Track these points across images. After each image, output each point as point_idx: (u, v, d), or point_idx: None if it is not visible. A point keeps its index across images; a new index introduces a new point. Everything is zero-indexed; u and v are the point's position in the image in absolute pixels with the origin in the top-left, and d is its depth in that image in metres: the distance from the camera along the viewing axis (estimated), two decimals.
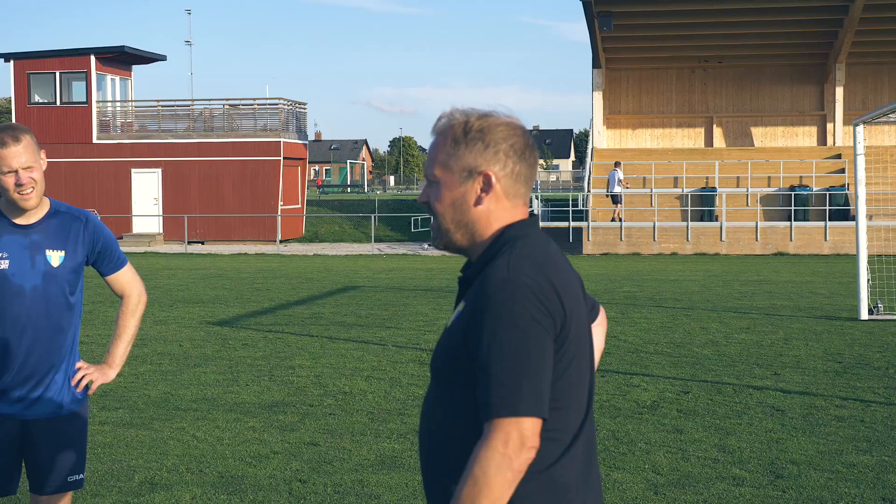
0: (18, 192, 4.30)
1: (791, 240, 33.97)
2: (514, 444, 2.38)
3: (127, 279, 4.68)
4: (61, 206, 4.51)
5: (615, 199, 35.67)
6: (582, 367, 2.59)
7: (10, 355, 4.37)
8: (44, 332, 4.39)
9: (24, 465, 4.56)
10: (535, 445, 2.40)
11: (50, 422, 4.47)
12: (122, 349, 4.65)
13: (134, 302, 4.69)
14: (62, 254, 4.43)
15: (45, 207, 4.47)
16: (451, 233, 2.66)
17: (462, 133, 2.62)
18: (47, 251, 4.41)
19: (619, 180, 35.85)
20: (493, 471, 2.37)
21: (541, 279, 2.49)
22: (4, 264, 4.36)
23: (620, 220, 34.81)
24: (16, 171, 4.28)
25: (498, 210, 2.63)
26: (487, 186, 2.60)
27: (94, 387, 4.56)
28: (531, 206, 36.81)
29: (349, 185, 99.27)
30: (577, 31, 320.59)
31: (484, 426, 2.42)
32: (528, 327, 2.42)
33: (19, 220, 4.41)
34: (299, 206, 44.65)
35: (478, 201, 2.61)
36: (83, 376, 4.51)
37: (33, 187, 4.33)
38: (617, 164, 36.56)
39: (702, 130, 42.67)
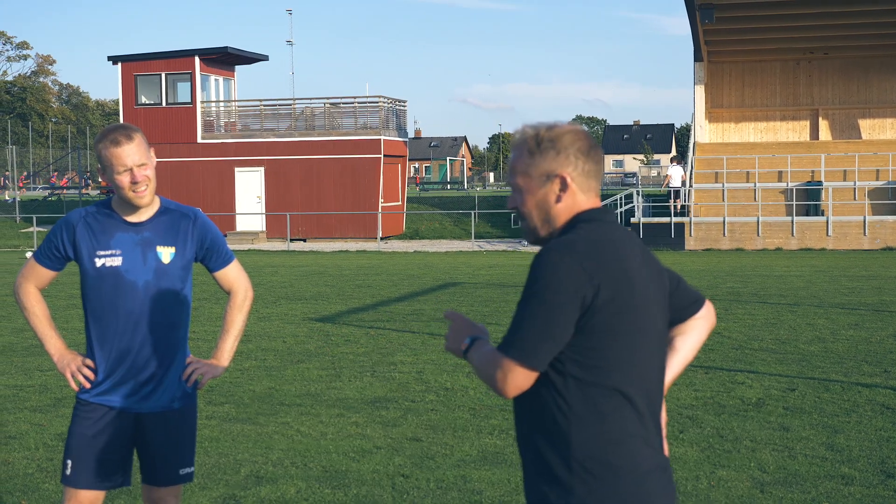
0: (133, 190, 4.39)
1: None
2: (500, 375, 2.92)
3: (234, 275, 4.75)
4: (171, 204, 4.60)
5: (677, 194, 35.94)
6: (632, 341, 2.96)
7: (123, 350, 4.47)
8: (156, 328, 4.48)
9: (136, 457, 4.67)
10: (519, 385, 2.92)
11: (162, 415, 4.57)
12: (230, 344, 4.72)
13: (241, 297, 4.76)
14: (172, 250, 4.52)
15: (156, 205, 4.56)
16: (539, 229, 3.12)
17: (535, 144, 3.08)
18: (158, 248, 4.50)
19: (681, 176, 36.81)
20: (489, 376, 2.96)
21: (581, 257, 2.90)
22: (118, 261, 4.45)
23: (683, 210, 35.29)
24: (130, 169, 4.37)
25: (575, 204, 3.08)
26: (564, 186, 3.06)
27: (203, 381, 4.64)
28: (632, 202, 36.60)
29: (449, 182, 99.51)
30: (677, 24, 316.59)
31: (497, 352, 2.95)
32: (556, 291, 2.87)
33: (131, 218, 4.50)
34: (399, 203, 44.88)
35: (558, 199, 3.07)
36: (193, 371, 4.60)
37: (147, 184, 4.41)
38: (674, 160, 37.91)
39: (807, 123, 41.88)
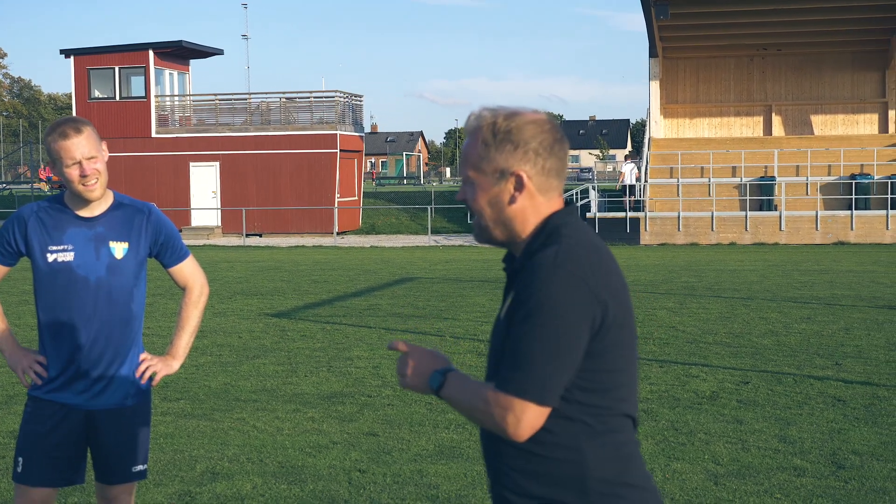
0: (83, 184, 4.35)
1: (852, 229, 33.55)
2: (511, 418, 2.58)
3: (189, 271, 4.72)
4: (125, 199, 4.56)
5: (632, 190, 36.35)
6: (628, 356, 2.72)
7: (75, 346, 4.43)
8: (108, 324, 4.45)
9: (89, 455, 4.64)
10: (535, 426, 2.60)
11: (115, 412, 4.53)
12: (185, 340, 4.69)
13: (196, 294, 4.74)
14: (126, 245, 4.48)
15: (109, 200, 4.52)
16: (491, 229, 2.78)
17: (491, 135, 2.72)
18: (111, 243, 4.46)
19: (634, 173, 37.25)
20: (492, 422, 2.62)
21: (584, 272, 2.60)
22: (69, 256, 4.42)
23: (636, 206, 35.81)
24: (79, 162, 4.33)
25: (533, 205, 2.74)
26: (520, 186, 2.72)
27: (157, 378, 4.61)
28: (588, 197, 36.74)
29: (405, 177, 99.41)
30: (634, 20, 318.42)
31: (499, 391, 2.60)
32: (566, 317, 2.56)
33: (83, 213, 4.47)
34: (356, 198, 44.82)
35: (512, 200, 2.73)
36: (147, 367, 4.57)
37: (97, 178, 4.37)
38: (628, 158, 38.46)
39: (760, 119, 42.23)
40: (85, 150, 4.32)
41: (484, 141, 2.74)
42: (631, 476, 2.71)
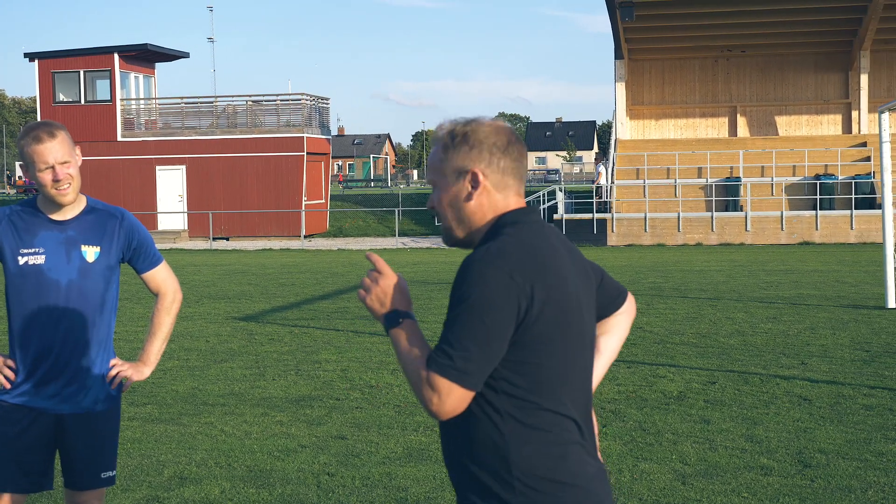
0: (56, 188, 4.34)
1: (817, 229, 33.83)
2: (435, 398, 2.74)
3: (162, 277, 4.71)
4: (98, 204, 4.56)
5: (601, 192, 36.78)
6: (561, 353, 2.82)
7: (45, 350, 4.41)
8: (78, 328, 4.43)
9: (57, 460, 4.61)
10: (457, 408, 2.75)
11: (84, 417, 4.51)
12: (157, 347, 4.68)
13: (169, 300, 4.72)
14: (97, 250, 4.47)
15: (82, 204, 4.51)
16: (454, 230, 2.97)
17: (450, 139, 2.92)
18: (83, 247, 4.45)
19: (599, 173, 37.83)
20: (421, 395, 2.77)
21: (510, 266, 2.74)
22: (40, 259, 4.40)
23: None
24: (52, 167, 4.32)
25: (490, 203, 2.91)
26: (476, 182, 2.89)
27: (127, 384, 4.59)
28: (555, 198, 36.82)
29: (372, 180, 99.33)
30: (599, 22, 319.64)
31: (430, 370, 2.75)
32: (490, 306, 2.71)
33: (55, 216, 4.45)
34: (323, 201, 44.73)
35: (468, 197, 2.91)
36: (117, 373, 4.55)
37: (70, 182, 4.36)
38: (597, 158, 38.23)
39: (725, 120, 42.49)
40: (58, 155, 4.31)
41: (444, 146, 2.93)
42: (561, 474, 2.79)
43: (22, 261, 4.40)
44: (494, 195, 2.90)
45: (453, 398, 2.73)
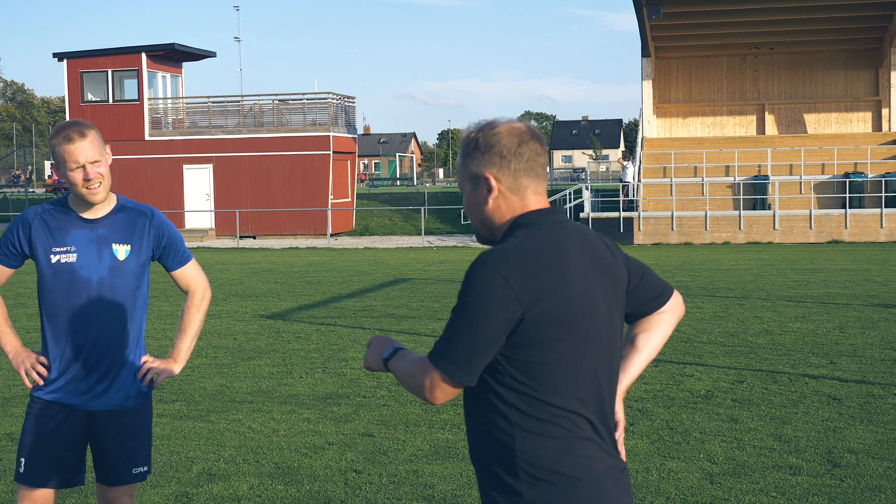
0: (86, 187, 4.38)
1: (846, 227, 33.62)
2: (428, 384, 2.91)
3: (192, 275, 4.74)
4: (128, 202, 4.59)
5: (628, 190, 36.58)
6: (566, 352, 2.88)
7: (77, 347, 4.45)
8: (110, 325, 4.47)
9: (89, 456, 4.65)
10: (447, 395, 2.90)
11: (116, 414, 4.55)
12: (186, 344, 4.71)
13: (199, 297, 4.75)
14: (128, 248, 4.51)
15: (112, 202, 4.55)
16: (479, 230, 3.09)
17: (466, 146, 3.04)
18: (114, 245, 4.48)
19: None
20: (417, 385, 2.95)
21: (509, 270, 2.83)
22: (72, 257, 4.44)
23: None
24: (83, 166, 4.35)
25: (507, 205, 3.00)
26: (489, 188, 2.99)
27: (158, 381, 4.63)
28: (579, 197, 36.77)
29: (398, 178, 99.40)
30: (625, 20, 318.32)
31: (426, 359, 2.94)
32: (483, 309, 2.81)
33: (87, 215, 4.49)
34: (349, 199, 44.80)
35: (485, 202, 3.01)
36: (148, 370, 4.59)
37: (101, 182, 4.40)
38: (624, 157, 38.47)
39: (753, 118, 42.30)
40: (89, 154, 4.35)
41: (463, 152, 3.05)
42: (563, 466, 2.86)
43: (54, 259, 4.44)
44: (510, 197, 2.99)
45: (444, 387, 2.89)
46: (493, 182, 2.97)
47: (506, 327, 2.82)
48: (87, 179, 4.36)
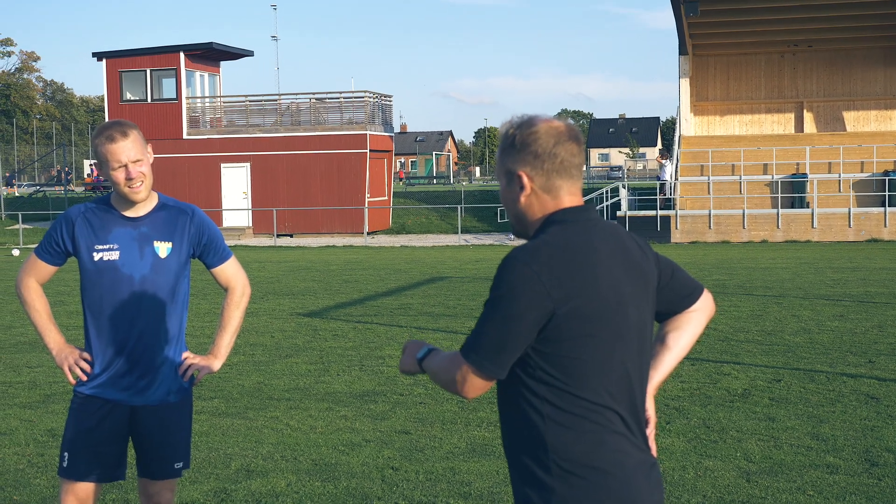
0: (129, 186, 4.44)
1: (885, 226, 33.33)
2: (459, 378, 2.95)
3: (232, 272, 4.79)
4: (169, 200, 4.66)
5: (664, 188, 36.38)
6: (598, 347, 2.90)
7: (120, 344, 4.52)
8: (152, 322, 4.53)
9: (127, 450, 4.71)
10: (478, 388, 2.93)
11: (158, 409, 4.61)
12: (227, 340, 4.77)
13: (238, 294, 4.80)
14: (169, 245, 4.57)
15: (154, 201, 4.61)
16: (513, 225, 3.11)
17: (502, 142, 3.05)
18: (155, 243, 4.55)
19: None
20: (449, 379, 2.99)
21: (540, 267, 2.84)
22: (115, 255, 4.51)
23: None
24: (125, 166, 4.42)
25: (539, 203, 3.01)
26: (522, 185, 3.00)
27: (199, 377, 4.69)
28: (618, 195, 36.66)
29: (435, 177, 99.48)
30: (662, 18, 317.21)
31: (459, 353, 2.97)
32: (513, 305, 2.83)
33: (129, 213, 4.56)
34: (386, 198, 44.90)
35: (518, 199, 3.02)
36: (189, 366, 4.65)
37: (142, 181, 4.47)
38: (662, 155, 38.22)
39: (791, 116, 42.02)
40: (131, 154, 4.41)
41: (501, 148, 3.06)
42: (595, 460, 2.88)
43: (97, 257, 4.51)
44: (542, 196, 2.99)
45: (475, 380, 2.93)
46: (525, 180, 2.98)
47: (537, 322, 2.84)
48: (129, 178, 4.43)
